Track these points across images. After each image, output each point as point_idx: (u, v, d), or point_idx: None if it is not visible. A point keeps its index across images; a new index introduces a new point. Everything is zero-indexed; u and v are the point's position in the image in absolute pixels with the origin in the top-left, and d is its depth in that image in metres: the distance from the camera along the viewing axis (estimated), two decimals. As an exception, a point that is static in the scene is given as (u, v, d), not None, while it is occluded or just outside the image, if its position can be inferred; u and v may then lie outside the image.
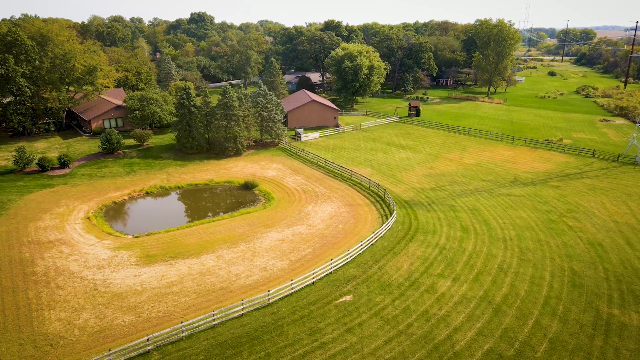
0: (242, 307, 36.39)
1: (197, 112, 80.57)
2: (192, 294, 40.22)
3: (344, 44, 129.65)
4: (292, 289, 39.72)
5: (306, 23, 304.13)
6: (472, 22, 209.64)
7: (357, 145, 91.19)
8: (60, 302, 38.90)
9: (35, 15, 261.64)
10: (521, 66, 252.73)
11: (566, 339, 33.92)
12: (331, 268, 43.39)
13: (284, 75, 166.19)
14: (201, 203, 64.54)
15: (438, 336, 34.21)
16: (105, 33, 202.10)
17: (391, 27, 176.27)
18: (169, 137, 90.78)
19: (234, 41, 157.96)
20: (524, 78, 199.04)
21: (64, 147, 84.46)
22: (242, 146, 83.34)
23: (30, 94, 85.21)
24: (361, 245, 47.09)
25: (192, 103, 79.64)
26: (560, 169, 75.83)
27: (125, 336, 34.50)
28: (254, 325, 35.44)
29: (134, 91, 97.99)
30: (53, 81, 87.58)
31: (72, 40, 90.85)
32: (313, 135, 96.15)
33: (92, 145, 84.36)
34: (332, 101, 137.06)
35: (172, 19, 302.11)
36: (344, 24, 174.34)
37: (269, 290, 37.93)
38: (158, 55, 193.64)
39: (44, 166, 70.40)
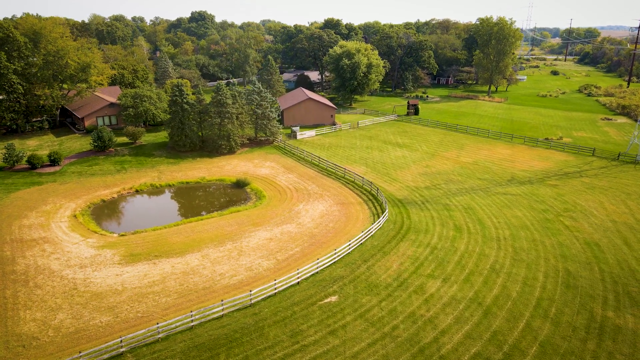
0: (222, 307, 35.21)
1: (190, 110, 79.51)
2: (174, 294, 39.10)
3: (342, 42, 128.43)
4: (275, 289, 38.52)
5: (308, 22, 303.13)
6: (474, 21, 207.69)
7: (353, 144, 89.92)
8: (38, 301, 37.85)
9: (37, 15, 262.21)
10: (524, 65, 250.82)
11: (557, 342, 32.57)
12: (317, 268, 42.18)
13: (283, 73, 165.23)
14: (191, 201, 63.46)
15: (424, 339, 32.93)
16: (105, 31, 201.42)
17: (391, 26, 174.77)
18: (162, 135, 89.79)
19: (233, 39, 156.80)
20: (525, 77, 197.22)
21: (56, 144, 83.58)
22: (236, 144, 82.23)
23: (23, 91, 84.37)
24: (350, 244, 45.84)
25: (184, 100, 78.59)
26: (558, 167, 74.34)
27: (101, 337, 33.39)
28: (234, 327, 34.26)
29: (130, 89, 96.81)
30: (46, 78, 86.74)
31: (66, 37, 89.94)
32: (309, 133, 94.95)
33: (84, 143, 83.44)
34: (331, 100, 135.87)
35: (173, 18, 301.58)
36: (344, 22, 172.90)
37: (250, 291, 36.74)
38: (158, 54, 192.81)
39: (33, 164, 69.50)
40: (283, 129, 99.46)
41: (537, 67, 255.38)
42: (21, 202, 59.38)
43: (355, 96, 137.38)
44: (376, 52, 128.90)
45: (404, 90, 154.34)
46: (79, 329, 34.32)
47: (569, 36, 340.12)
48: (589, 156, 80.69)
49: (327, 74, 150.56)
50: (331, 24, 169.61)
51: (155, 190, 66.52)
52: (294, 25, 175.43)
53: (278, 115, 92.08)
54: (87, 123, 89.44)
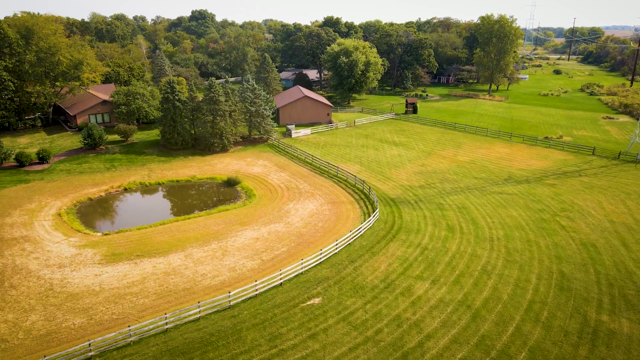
0: (198, 309, 33.87)
1: (183, 107, 78.28)
2: (153, 295, 37.81)
3: (340, 40, 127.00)
4: (256, 290, 37.17)
5: (310, 22, 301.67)
6: (475, 20, 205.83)
7: (349, 142, 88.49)
8: (11, 302, 36.64)
9: (37, 13, 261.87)
10: (526, 64, 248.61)
11: (548, 347, 31.07)
12: (302, 268, 40.79)
13: (281, 72, 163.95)
14: (180, 200, 62.21)
15: (408, 343, 31.49)
16: (104, 30, 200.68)
17: (391, 24, 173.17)
18: (154, 133, 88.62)
19: (232, 38, 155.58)
20: (527, 76, 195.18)
21: (47, 142, 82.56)
22: (229, 142, 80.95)
23: (14, 89, 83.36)
24: (337, 244, 44.42)
25: (176, 97, 77.38)
26: (557, 166, 72.68)
27: (72, 340, 32.14)
28: (211, 330, 32.92)
29: (123, 87, 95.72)
30: (38, 75, 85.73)
31: (59, 34, 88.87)
32: (304, 131, 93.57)
33: (75, 141, 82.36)
34: (329, 98, 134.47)
35: (174, 17, 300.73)
36: (344, 20, 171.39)
37: (229, 292, 35.39)
38: (157, 52, 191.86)
39: (21, 161, 68.45)
40: (279, 127, 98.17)
41: (539, 66, 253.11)
42: (6, 200, 58.27)
43: (354, 95, 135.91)
44: (374, 49, 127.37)
45: (403, 89, 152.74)
46: (50, 331, 33.07)
47: (573, 35, 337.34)
48: (589, 155, 78.96)
49: (326, 73, 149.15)
50: (330, 22, 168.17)
51: (145, 189, 65.31)
52: (293, 24, 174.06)
53: (273, 113, 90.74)
54: (79, 121, 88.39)
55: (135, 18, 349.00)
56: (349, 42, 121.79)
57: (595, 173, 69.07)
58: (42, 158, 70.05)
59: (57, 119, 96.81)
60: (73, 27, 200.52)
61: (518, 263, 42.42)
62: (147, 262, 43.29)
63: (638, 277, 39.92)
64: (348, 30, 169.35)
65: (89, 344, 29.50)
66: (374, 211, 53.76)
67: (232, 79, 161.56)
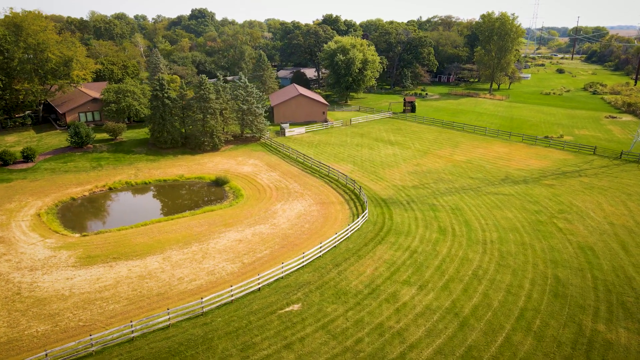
0: (168, 317, 31.94)
1: (172, 105, 76.47)
2: (124, 300, 35.92)
3: (337, 37, 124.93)
4: (232, 296, 35.21)
5: (312, 21, 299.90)
6: (477, 18, 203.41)
7: (343, 141, 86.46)
8: (-25, 307, 34.82)
9: (38, 12, 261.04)
10: (529, 63, 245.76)
11: (539, 359, 28.97)
12: (283, 272, 38.81)
13: (280, 70, 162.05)
14: (165, 200, 60.38)
15: (389, 354, 29.48)
16: (102, 29, 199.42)
17: (391, 22, 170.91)
18: (144, 132, 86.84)
19: (229, 36, 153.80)
20: (530, 75, 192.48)
21: (35, 140, 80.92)
22: (220, 141, 79.09)
23: (2, 86, 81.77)
24: (321, 247, 42.43)
25: (166, 95, 75.56)
26: (556, 166, 70.42)
27: (33, 349, 30.29)
28: (180, 339, 30.99)
29: (114, 84, 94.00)
30: (26, 72, 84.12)
31: (49, 30, 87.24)
32: (298, 130, 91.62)
33: (63, 139, 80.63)
34: (326, 97, 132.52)
35: (175, 16, 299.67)
36: (343, 18, 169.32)
37: (202, 298, 33.44)
38: (152, 50, 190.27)
39: (5, 160, 66.81)
40: (273, 126, 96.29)
41: (542, 65, 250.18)
42: (-15, 199, 56.59)
43: (352, 94, 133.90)
44: (372, 47, 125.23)
45: (403, 88, 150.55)
46: (11, 339, 31.24)
47: (576, 34, 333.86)
48: (590, 155, 76.65)
49: (324, 71, 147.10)
50: (330, 20, 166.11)
51: (130, 189, 63.51)
52: (291, 22, 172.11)
53: (266, 112, 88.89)
54: (68, 119, 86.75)
55: (136, 17, 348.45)
56: (346, 40, 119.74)
57: (595, 173, 66.81)
58: (27, 157, 68.38)
59: (47, 117, 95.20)
60: (72, 26, 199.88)
61: (511, 267, 40.31)
62: (123, 265, 41.44)
63: (637, 283, 37.75)
64: (347, 28, 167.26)
65: (46, 355, 27.64)
66: (363, 212, 51.71)
67: (230, 78, 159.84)
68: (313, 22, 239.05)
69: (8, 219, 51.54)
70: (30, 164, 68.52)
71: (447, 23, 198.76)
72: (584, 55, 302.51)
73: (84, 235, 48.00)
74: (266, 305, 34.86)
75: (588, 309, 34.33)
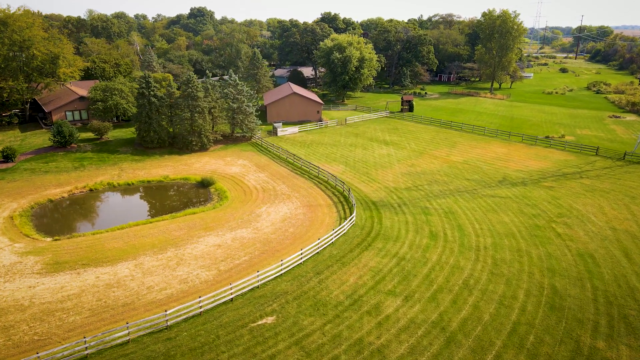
0: (127, 331, 29.38)
1: (159, 104, 74.02)
2: (87, 311, 33.41)
3: (333, 35, 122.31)
4: (201, 307, 32.62)
5: (312, 21, 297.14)
6: (479, 17, 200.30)
7: (337, 141, 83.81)
8: None
9: (38, 11, 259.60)
10: (532, 63, 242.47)
11: (531, 381, 26.29)
12: (259, 282, 36.21)
13: (277, 69, 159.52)
14: (146, 202, 57.94)
15: (367, 374, 26.84)
16: (100, 27, 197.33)
17: (390, 20, 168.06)
18: (131, 131, 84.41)
19: (225, 34, 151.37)
20: (532, 74, 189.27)
21: (18, 140, 78.61)
22: (209, 141, 76.60)
23: (-15, 84, 79.61)
24: (302, 253, 39.81)
25: (152, 93, 73.11)
26: (557, 167, 67.57)
27: (-20, 366, 27.79)
28: (139, 356, 28.44)
29: (102, 82, 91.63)
30: (12, 70, 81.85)
31: (36, 27, 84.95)
32: (291, 129, 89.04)
33: (47, 139, 78.30)
34: (323, 96, 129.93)
35: (174, 14, 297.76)
36: (342, 16, 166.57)
37: (165, 311, 30.86)
38: (145, 48, 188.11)
39: (-17, 160, 64.47)
40: (266, 126, 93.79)
41: (545, 64, 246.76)
42: (-43, 201, 54.25)
43: (350, 92, 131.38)
44: (370, 45, 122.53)
45: (402, 87, 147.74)
46: (-42, 355, 28.75)
47: (580, 33, 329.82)
48: (592, 155, 73.75)
49: (322, 70, 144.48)
50: (328, 19, 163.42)
51: (111, 190, 61.08)
52: (289, 20, 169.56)
53: (257, 111, 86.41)
54: (54, 118, 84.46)
55: (136, 16, 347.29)
56: (342, 38, 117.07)
57: (597, 175, 63.93)
58: (7, 156, 66.10)
59: (35, 116, 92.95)
60: (69, 25, 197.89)
61: (505, 276, 37.58)
62: (92, 272, 38.95)
63: (641, 294, 34.98)
64: (346, 26, 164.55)
65: (-14, 375, 25.14)
66: (351, 215, 49.04)
67: (227, 77, 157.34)
68: (313, 21, 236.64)
69: (-22, 221, 49.17)
70: (10, 164, 66.22)
71: (448, 22, 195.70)
72: (588, 55, 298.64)
73: (56, 240, 45.57)
74: (237, 317, 32.27)
75: (587, 324, 31.59)
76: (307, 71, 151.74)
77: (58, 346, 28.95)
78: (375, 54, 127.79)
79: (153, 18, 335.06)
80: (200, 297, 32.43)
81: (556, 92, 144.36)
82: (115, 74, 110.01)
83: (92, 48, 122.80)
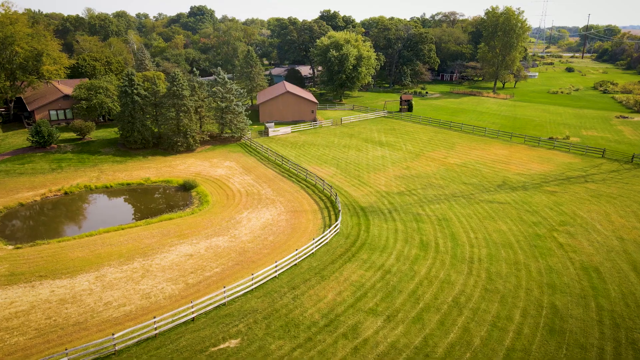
0: (67, 358, 26.02)
1: (143, 102, 70.84)
2: (33, 331, 30.11)
3: (330, 32, 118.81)
4: (156, 329, 29.19)
5: (312, 19, 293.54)
6: (483, 15, 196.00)
7: (330, 142, 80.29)
8: None
9: (39, 11, 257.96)
10: (537, 62, 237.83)
11: (525, 423, 22.67)
12: (226, 298, 32.76)
13: (275, 68, 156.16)
14: (122, 207, 54.70)
15: (335, 412, 23.32)
16: (97, 26, 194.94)
17: (391, 18, 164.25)
18: (115, 131, 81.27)
19: (221, 32, 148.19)
20: (537, 74, 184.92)
21: (-1, 140, 75.65)
22: (195, 141, 73.34)
23: (-35, 82, 76.75)
24: (277, 266, 36.35)
25: (135, 91, 69.92)
26: (560, 171, 63.73)
27: None
28: (79, 386, 25.08)
29: (87, 80, 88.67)
30: (-7, 67, 79.05)
31: (20, 23, 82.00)
32: (283, 130, 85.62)
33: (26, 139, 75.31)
34: (321, 95, 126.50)
35: (175, 13, 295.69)
36: (342, 14, 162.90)
37: (113, 334, 27.47)
38: (138, 46, 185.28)
39: (-44, 161, 61.42)
40: (257, 126, 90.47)
41: (551, 64, 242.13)
42: None
43: (348, 92, 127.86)
44: (368, 43, 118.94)
45: (402, 87, 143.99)
46: None
47: (587, 32, 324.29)
48: (598, 158, 69.82)
49: (320, 69, 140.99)
50: (327, 16, 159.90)
51: (88, 193, 57.89)
52: (288, 18, 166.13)
53: (248, 110, 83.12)
54: (38, 117, 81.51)
55: (138, 15, 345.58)
56: (339, 35, 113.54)
57: (603, 179, 60.05)
58: (-18, 157, 63.01)
59: (20, 115, 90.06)
60: (67, 23, 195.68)
61: (500, 293, 33.94)
62: (48, 285, 35.67)
63: (652, 315, 31.24)
64: (346, 24, 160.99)
65: None
66: (336, 223, 45.49)
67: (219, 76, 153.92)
68: (312, 19, 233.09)
69: (-62, 227, 46.08)
70: (-16, 166, 63.19)
71: (450, 20, 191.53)
72: (595, 54, 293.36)
73: (17, 248, 42.39)
74: (197, 340, 28.85)
75: (591, 350, 27.94)
76: (305, 70, 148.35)
77: (-10, 374, 25.69)
78: (375, 52, 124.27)
79: (154, 17, 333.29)
80: (155, 317, 29.01)
81: (562, 92, 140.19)
82: (107, 72, 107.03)
83: (83, 46, 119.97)
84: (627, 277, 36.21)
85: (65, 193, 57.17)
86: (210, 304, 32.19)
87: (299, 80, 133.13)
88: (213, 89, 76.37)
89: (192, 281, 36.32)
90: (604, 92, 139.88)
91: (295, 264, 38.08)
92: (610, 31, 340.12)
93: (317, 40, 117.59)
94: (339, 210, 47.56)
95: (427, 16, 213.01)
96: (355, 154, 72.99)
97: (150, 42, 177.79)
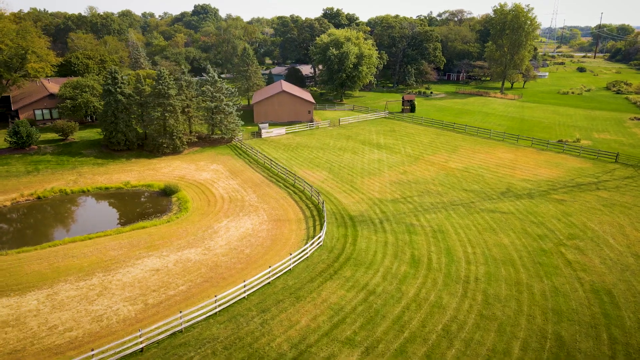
0: (-18, 400, 22.32)
1: (127, 101, 67.37)
2: (-39, 360, 26.46)
3: (331, 30, 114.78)
4: (95, 363, 25.38)
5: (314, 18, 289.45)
6: (492, 14, 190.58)
7: (325, 144, 76.26)
8: None
9: (44, 10, 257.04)
10: (547, 62, 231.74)
11: None
12: (182, 325, 28.87)
13: (276, 67, 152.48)
14: (95, 213, 51.19)
15: None
16: (99, 24, 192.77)
17: (396, 16, 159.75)
18: (99, 131, 78.01)
19: (221, 30, 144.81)
20: (547, 74, 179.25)
21: (-21, 141, 72.62)
22: (182, 143, 69.75)
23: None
24: (246, 285, 32.41)
25: (119, 90, 66.46)
26: (570, 176, 59.14)
27: None
28: None
29: (74, 78, 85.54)
30: (-24, 65, 76.15)
31: (5, 20, 79.15)
32: (277, 131, 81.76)
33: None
34: (320, 95, 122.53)
35: (179, 12, 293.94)
36: (345, 12, 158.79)
37: (40, 370, 23.72)
38: (133, 43, 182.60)
39: None
40: (251, 127, 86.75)
41: (562, 64, 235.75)
42: None
43: (349, 91, 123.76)
44: (370, 41, 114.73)
45: (407, 86, 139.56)
46: None
47: (600, 31, 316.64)
48: (611, 163, 65.07)
49: (321, 67, 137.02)
50: (330, 14, 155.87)
51: (62, 198, 54.45)
52: (290, 16, 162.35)
53: (240, 110, 79.44)
54: (22, 116, 78.51)
55: (144, 15, 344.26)
56: (339, 33, 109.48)
57: (617, 186, 55.38)
58: (-45, 159, 59.87)
59: (7, 114, 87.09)
60: (69, 22, 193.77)
61: (497, 320, 29.71)
62: (-8, 303, 32.06)
63: (675, 352, 26.83)
64: (349, 22, 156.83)
65: None
66: (319, 234, 41.44)
67: (224, 76, 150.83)
68: (315, 17, 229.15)
69: None
70: (-43, 168, 60.04)
71: (458, 19, 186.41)
72: (608, 54, 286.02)
73: (-28, 259, 38.84)
74: (142, 376, 25.02)
75: (602, 395, 23.63)
76: (306, 69, 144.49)
77: None
78: (379, 50, 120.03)
79: (160, 16, 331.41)
80: (92, 350, 25.19)
81: (572, 92, 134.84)
82: (100, 70, 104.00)
83: (78, 44, 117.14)
84: (645, 302, 31.78)
85: (39, 198, 53.81)
86: (165, 330, 28.33)
87: (300, 80, 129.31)
88: (202, 88, 72.69)
89: (153, 301, 32.51)
90: (617, 93, 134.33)
91: (269, 283, 34.11)
92: (624, 30, 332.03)
93: (317, 38, 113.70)
94: (324, 220, 43.52)
95: (435, 14, 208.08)
96: (350, 157, 68.91)
97: (151, 41, 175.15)
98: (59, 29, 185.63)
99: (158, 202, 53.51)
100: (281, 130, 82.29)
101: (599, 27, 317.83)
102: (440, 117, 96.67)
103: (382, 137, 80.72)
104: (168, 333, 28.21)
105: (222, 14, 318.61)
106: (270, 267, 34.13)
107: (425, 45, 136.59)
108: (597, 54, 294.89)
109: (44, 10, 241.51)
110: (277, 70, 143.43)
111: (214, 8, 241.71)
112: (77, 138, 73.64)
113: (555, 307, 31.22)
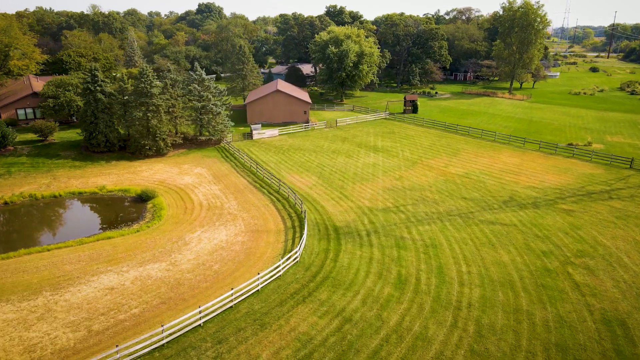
0: None
1: (108, 101, 63.84)
2: None
3: (331, 27, 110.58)
4: (5, 409, 21.49)
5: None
6: (501, 12, 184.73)
7: (319, 146, 72.10)
8: None
9: (50, 9, 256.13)
10: (559, 62, 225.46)
11: None
12: None
13: (276, 66, 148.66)
14: (61, 221, 47.61)
15: None
16: (101, 22, 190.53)
17: (401, 15, 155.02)
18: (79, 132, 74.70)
19: (220, 28, 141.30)
20: (558, 74, 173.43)
21: (-43, 141, 69.49)
22: (166, 144, 66.07)
23: None
24: (201, 312, 28.37)
25: (99, 88, 62.93)
26: (580, 184, 54.39)
27: None
28: None
29: (58, 76, 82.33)
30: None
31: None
32: (270, 132, 77.77)
33: (-13, 140, 69.01)
34: (320, 95, 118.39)
35: (183, 11, 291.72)
36: (348, 10, 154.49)
37: None
38: (128, 41, 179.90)
39: None
40: (244, 127, 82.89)
41: (574, 63, 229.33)
42: None
43: (350, 91, 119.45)
44: (371, 39, 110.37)
45: (411, 86, 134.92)
46: None
47: (613, 30, 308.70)
48: (625, 169, 60.16)
49: (322, 66, 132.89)
50: (333, 12, 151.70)
51: (31, 204, 50.92)
52: (292, 14, 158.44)
53: (230, 110, 75.55)
54: (4, 116, 75.43)
55: (150, 14, 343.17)
56: (339, 30, 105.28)
57: (632, 195, 50.56)
58: None
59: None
60: (71, 20, 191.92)
61: (491, 358, 25.34)
62: None
63: (703, 404, 22.25)
64: (353, 20, 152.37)
65: None
66: (296, 248, 37.28)
67: (224, 75, 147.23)
68: (318, 15, 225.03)
69: None
70: None
71: (466, 17, 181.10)
72: (622, 54, 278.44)
73: None
74: None
75: None
76: (307, 68, 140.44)
77: None
78: (381, 49, 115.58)
79: (165, 15, 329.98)
80: (2, 394, 21.32)
81: (584, 93, 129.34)
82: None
83: (72, 41, 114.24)
84: (665, 336, 27.19)
85: (5, 203, 50.36)
86: (98, 367, 24.38)
87: (300, 79, 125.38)
88: (189, 87, 68.94)
89: (98, 327, 28.60)
90: (632, 94, 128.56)
91: (232, 307, 30.04)
92: (638, 29, 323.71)
93: (316, 36, 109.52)
94: (304, 233, 39.38)
95: (442, 13, 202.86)
96: (343, 160, 64.69)
97: (151, 39, 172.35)
98: (61, 27, 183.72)
99: (132, 208, 49.77)
100: (274, 131, 78.30)
101: (613, 26, 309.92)
102: (443, 119, 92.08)
103: (379, 139, 76.36)
104: (102, 370, 24.26)
105: (227, 12, 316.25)
106: (232, 289, 30.02)
107: (431, 44, 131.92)
108: (610, 54, 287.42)
109: (50, 9, 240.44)
110: (277, 69, 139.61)
111: (218, 7, 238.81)
112: (58, 139, 70.26)
113: (559, 341, 26.77)
